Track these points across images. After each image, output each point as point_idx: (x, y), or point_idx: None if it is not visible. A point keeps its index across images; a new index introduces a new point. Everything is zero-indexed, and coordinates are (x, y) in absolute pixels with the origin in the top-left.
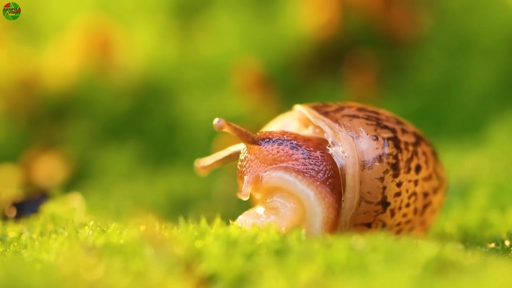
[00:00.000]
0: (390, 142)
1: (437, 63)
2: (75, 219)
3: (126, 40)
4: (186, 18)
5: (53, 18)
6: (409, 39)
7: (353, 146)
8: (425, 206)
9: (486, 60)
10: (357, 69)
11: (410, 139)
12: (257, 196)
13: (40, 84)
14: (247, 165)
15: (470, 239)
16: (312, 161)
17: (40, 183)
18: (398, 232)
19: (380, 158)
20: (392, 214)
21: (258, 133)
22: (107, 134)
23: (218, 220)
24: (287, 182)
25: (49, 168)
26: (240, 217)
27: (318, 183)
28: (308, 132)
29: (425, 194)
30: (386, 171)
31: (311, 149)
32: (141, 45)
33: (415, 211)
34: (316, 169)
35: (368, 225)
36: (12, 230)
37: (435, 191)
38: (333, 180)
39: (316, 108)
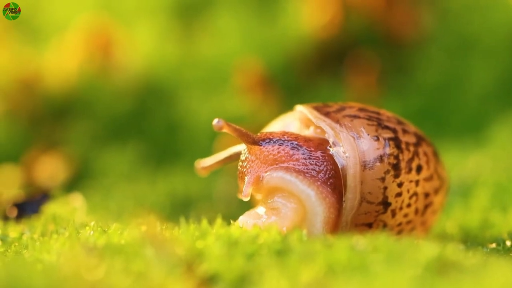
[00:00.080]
0: (391, 143)
1: (438, 63)
2: (76, 219)
3: (127, 40)
4: (187, 18)
5: (54, 18)
6: (411, 39)
7: (354, 147)
8: (426, 207)
9: (488, 60)
10: (358, 69)
11: (411, 139)
12: (258, 196)
13: (41, 84)
14: (248, 165)
15: (471, 240)
16: (313, 161)
17: (41, 183)
18: (399, 232)
19: (381, 159)
20: (393, 214)
21: (258, 134)
22: (108, 134)
23: (219, 221)
24: (288, 182)
25: (50, 169)
26: (241, 218)
27: (319, 183)
28: (309, 132)
29: (426, 195)
30: (387, 172)
31: (312, 149)
32: (142, 45)
33: (416, 211)
34: (317, 169)
35: (369, 226)
36: (13, 230)
37: (436, 191)
38: (334, 180)
39: (317, 109)
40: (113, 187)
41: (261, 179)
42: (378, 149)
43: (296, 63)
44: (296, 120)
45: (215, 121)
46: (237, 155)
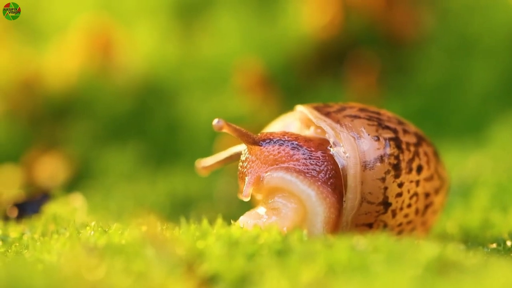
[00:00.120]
0: (392, 143)
1: (439, 63)
2: (77, 219)
3: (127, 41)
4: (187, 18)
5: (54, 19)
6: (411, 40)
7: (355, 147)
8: (427, 207)
9: (488, 60)
10: (358, 69)
11: (412, 139)
12: (259, 196)
13: (41, 85)
14: (248, 166)
15: (472, 240)
16: (313, 161)
17: (41, 183)
18: (400, 232)
19: (381, 159)
20: (394, 214)
21: (258, 134)
22: (108, 134)
23: (219, 221)
24: (288, 182)
25: (50, 169)
26: (241, 218)
27: (319, 183)
28: (309, 132)
29: (427, 195)
30: (388, 172)
31: (312, 149)
32: (142, 46)
33: (417, 211)
34: (317, 169)
35: (370, 226)
36: (13, 230)
37: (437, 191)
38: (334, 180)
39: (318, 109)
40: (114, 187)
41: (261, 179)
42: (378, 149)
43: (296, 63)
44: (297, 120)
45: (215, 121)
46: (237, 155)
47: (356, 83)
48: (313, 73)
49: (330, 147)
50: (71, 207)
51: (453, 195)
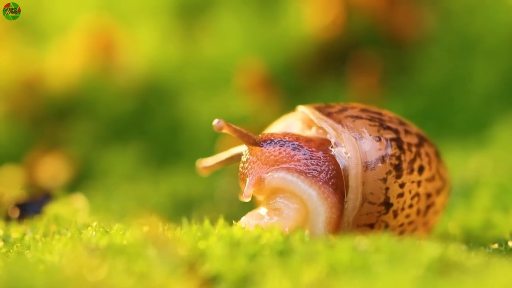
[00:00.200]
0: (393, 143)
1: (440, 64)
2: (78, 220)
3: (129, 41)
4: (189, 19)
5: (56, 19)
6: (413, 40)
7: (356, 147)
8: (428, 207)
9: (490, 61)
10: (360, 69)
11: (413, 140)
12: (260, 197)
13: (43, 85)
14: (249, 166)
15: (473, 240)
16: (314, 161)
17: (43, 184)
18: (401, 233)
19: (383, 159)
20: (395, 215)
21: (259, 135)
22: (110, 134)
23: (221, 221)
24: (290, 182)
25: (52, 169)
26: (243, 218)
27: (320, 183)
28: (311, 133)
29: (428, 195)
30: (389, 172)
31: (313, 149)
32: (144, 46)
33: (418, 212)
34: (319, 170)
35: (371, 226)
36: (15, 230)
37: (438, 192)
38: (335, 180)
39: (319, 109)
40: (115, 188)
41: (262, 180)
42: (380, 149)
43: (298, 64)
44: (298, 121)
45: (215, 121)
46: (238, 156)
47: (358, 83)
48: (314, 74)
49: (332, 147)
50: (73, 208)
51: (455, 195)
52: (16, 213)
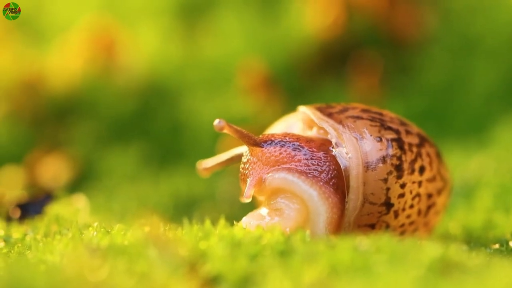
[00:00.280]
0: (394, 144)
1: (441, 64)
2: (80, 220)
3: (130, 41)
4: (190, 19)
5: (57, 19)
6: (413, 40)
7: (357, 148)
8: (429, 207)
9: (491, 61)
10: (361, 70)
11: (414, 140)
12: (261, 198)
13: (44, 85)
14: (250, 167)
15: (474, 240)
16: (315, 161)
17: (44, 184)
18: (402, 233)
19: (383, 160)
20: (396, 215)
21: (260, 136)
22: (111, 135)
23: (222, 221)
24: (290, 182)
25: (53, 169)
26: (244, 219)
27: (321, 183)
28: (312, 133)
29: (429, 195)
30: (390, 173)
31: (314, 149)
32: (145, 46)
33: (419, 212)
34: (319, 170)
35: (372, 226)
36: (16, 231)
37: (439, 192)
38: (336, 180)
39: (320, 109)
40: (116, 188)
41: (263, 180)
42: (381, 150)
43: (299, 64)
44: (299, 121)
45: (216, 121)
46: (238, 157)
47: (359, 83)
48: (316, 74)
49: (332, 147)
50: (74, 208)
51: (456, 195)
52: (17, 213)
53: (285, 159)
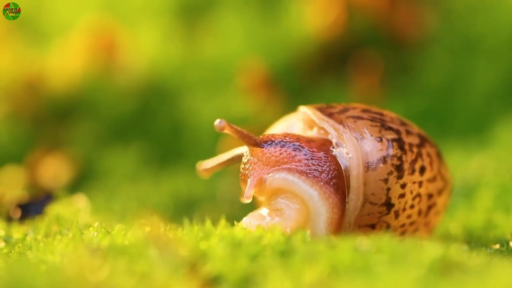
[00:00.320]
0: (395, 144)
1: (442, 64)
2: (80, 220)
3: (130, 41)
4: (190, 19)
5: (57, 19)
6: (414, 40)
7: (357, 148)
8: (430, 208)
9: (491, 61)
10: (361, 70)
11: (415, 140)
12: (261, 198)
13: (44, 85)
14: (250, 167)
15: (475, 240)
16: (315, 161)
17: (44, 184)
18: (403, 233)
19: (384, 160)
20: (396, 215)
21: (260, 136)
22: (111, 135)
23: (223, 221)
24: (291, 183)
25: (53, 169)
26: (244, 219)
27: (321, 183)
28: (312, 133)
29: (430, 196)
30: (390, 173)
31: (314, 150)
32: (145, 46)
33: (420, 212)
34: (320, 170)
35: (372, 227)
36: (17, 231)
37: (440, 192)
38: (337, 180)
39: (321, 110)
40: (117, 188)
41: (263, 181)
42: (381, 150)
43: (299, 64)
44: (300, 121)
45: (217, 121)
46: (239, 157)
47: (359, 83)
48: (316, 74)
49: (333, 148)
50: (74, 208)
51: (456, 196)
52: (18, 213)
53: (286, 159)
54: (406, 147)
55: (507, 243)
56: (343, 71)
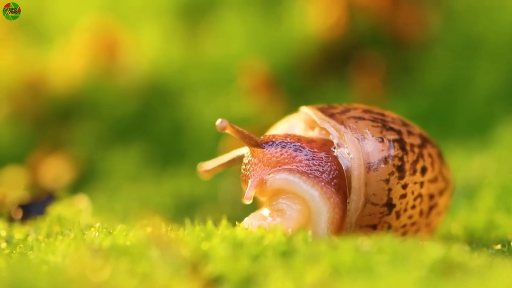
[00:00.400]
0: (396, 144)
1: (444, 64)
2: (82, 220)
3: (132, 42)
4: (192, 19)
5: (59, 20)
6: (416, 40)
7: (359, 148)
8: (431, 208)
9: (493, 61)
10: (363, 70)
11: (416, 141)
12: (263, 199)
13: (46, 86)
14: (251, 168)
15: (476, 241)
16: (316, 162)
17: (46, 184)
18: (404, 234)
19: (385, 160)
20: (398, 216)
21: (261, 137)
22: (113, 135)
23: (224, 222)
24: (292, 183)
25: (55, 170)
26: (246, 219)
27: (322, 183)
28: (314, 133)
29: (431, 196)
30: (392, 173)
31: (315, 150)
32: (147, 47)
33: (421, 213)
34: (321, 170)
35: (374, 227)
36: (18, 231)
37: (441, 193)
38: (338, 181)
39: (322, 110)
40: (118, 189)
41: (264, 181)
42: (382, 150)
43: (301, 64)
44: (301, 122)
45: (218, 121)
46: (240, 158)
47: (361, 84)
48: (318, 74)
49: (334, 148)
50: (76, 209)
51: (458, 196)
52: (19, 214)
53: (286, 160)
54: (408, 147)
55: (509, 244)
56: (344, 72)
